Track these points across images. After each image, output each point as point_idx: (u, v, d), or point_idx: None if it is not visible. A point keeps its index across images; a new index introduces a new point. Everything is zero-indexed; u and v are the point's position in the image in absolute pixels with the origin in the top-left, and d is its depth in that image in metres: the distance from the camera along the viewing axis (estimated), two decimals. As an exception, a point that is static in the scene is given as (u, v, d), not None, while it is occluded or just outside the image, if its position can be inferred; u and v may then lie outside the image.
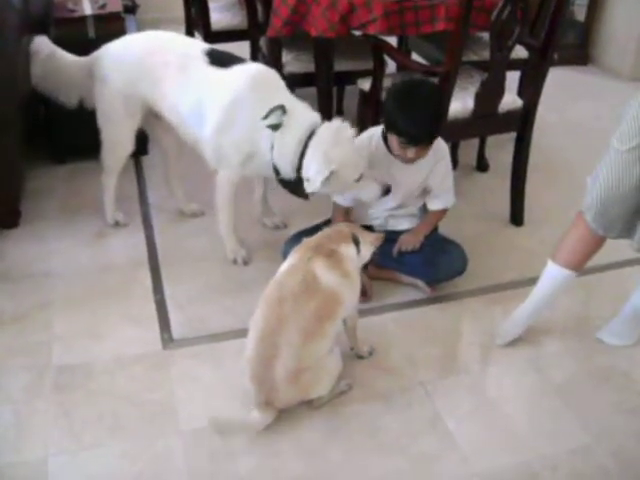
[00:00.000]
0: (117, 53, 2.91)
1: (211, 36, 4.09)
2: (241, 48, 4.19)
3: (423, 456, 2.18)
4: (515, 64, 3.38)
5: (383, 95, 3.07)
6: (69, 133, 3.61)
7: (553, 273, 2.44)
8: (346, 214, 2.81)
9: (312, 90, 3.41)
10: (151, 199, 3.43)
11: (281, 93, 2.70)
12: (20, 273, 2.90)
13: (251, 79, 2.67)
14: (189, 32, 4.44)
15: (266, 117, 2.57)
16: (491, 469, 2.14)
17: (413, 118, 2.50)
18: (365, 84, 3.19)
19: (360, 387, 2.41)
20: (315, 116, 2.66)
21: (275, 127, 2.58)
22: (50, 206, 3.35)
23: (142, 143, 3.69)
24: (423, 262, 2.78)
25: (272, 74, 2.76)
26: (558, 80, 3.72)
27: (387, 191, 2.59)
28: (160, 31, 3.02)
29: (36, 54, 3.02)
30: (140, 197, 3.43)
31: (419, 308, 2.80)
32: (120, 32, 3.58)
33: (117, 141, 3.02)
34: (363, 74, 3.28)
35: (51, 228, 3.18)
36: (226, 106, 2.65)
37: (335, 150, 2.51)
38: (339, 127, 2.58)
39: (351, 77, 3.43)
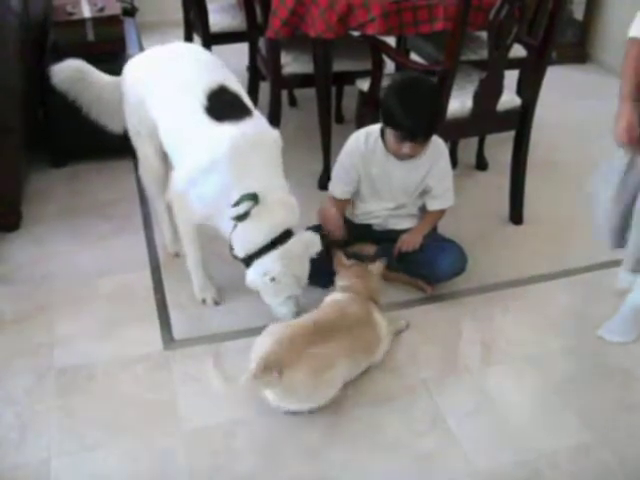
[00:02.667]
0: (132, 69, 2.80)
1: (210, 38, 4.11)
2: (240, 50, 4.23)
3: (425, 455, 2.19)
4: (513, 63, 3.38)
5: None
6: (69, 135, 3.61)
7: None
8: (339, 207, 2.82)
9: (311, 91, 3.42)
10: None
11: (263, 169, 2.50)
12: (21, 275, 2.91)
13: (234, 150, 2.42)
14: (188, 34, 4.46)
15: (236, 204, 2.41)
16: (493, 467, 2.15)
17: (412, 112, 2.51)
18: (364, 84, 3.20)
19: (361, 386, 2.42)
20: (288, 218, 2.52)
21: (241, 218, 2.43)
22: (51, 209, 3.35)
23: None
24: (423, 262, 2.78)
25: (261, 140, 2.52)
26: (557, 79, 3.73)
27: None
28: (182, 45, 2.94)
29: (65, 78, 2.85)
30: (140, 198, 3.43)
31: (419, 307, 2.80)
32: (119, 35, 3.61)
33: (146, 162, 2.87)
34: (362, 74, 3.29)
35: (52, 230, 3.19)
36: (201, 167, 2.46)
37: (295, 265, 2.51)
38: (309, 242, 2.55)
39: (350, 77, 3.44)
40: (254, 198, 2.41)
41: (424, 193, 2.83)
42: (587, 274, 3.03)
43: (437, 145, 2.72)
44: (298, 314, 2.52)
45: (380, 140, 2.70)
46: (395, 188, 2.76)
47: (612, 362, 2.56)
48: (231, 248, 2.55)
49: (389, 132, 2.60)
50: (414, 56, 3.90)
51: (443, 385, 2.44)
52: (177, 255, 2.99)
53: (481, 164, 3.85)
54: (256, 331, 2.57)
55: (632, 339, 2.63)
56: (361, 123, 3.05)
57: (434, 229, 2.90)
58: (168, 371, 2.46)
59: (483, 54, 3.10)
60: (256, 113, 2.58)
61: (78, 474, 2.09)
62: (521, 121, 3.16)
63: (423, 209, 2.90)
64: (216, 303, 2.77)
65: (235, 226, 2.47)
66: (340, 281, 2.60)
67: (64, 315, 2.70)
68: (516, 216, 3.36)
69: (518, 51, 3.36)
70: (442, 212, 2.86)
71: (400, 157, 2.64)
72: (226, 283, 2.85)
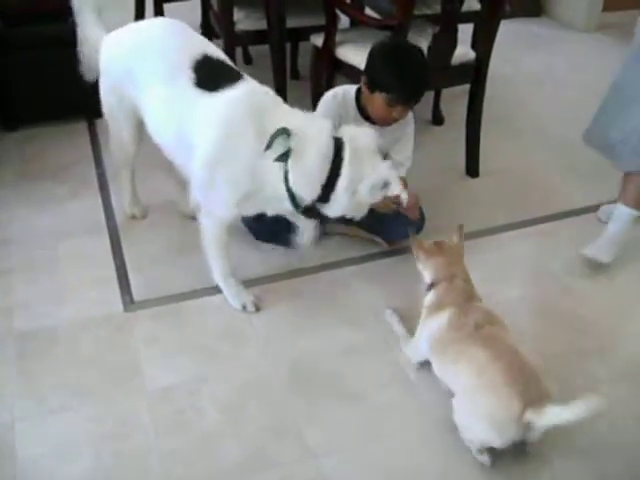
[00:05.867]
0: (111, 46, 2.60)
1: (162, -4, 4.04)
2: (192, 7, 4.17)
3: (385, 405, 2.23)
4: (468, 16, 3.39)
5: (338, 51, 3.08)
6: (21, 99, 3.54)
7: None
8: None
9: (266, 48, 3.39)
10: (106, 162, 3.37)
11: (279, 113, 2.32)
12: (-22, 241, 2.88)
13: (244, 106, 2.28)
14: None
15: (269, 146, 2.22)
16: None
17: (406, 76, 2.51)
18: (318, 40, 3.18)
19: (323, 339, 2.46)
20: (325, 124, 2.34)
21: (284, 157, 2.24)
22: (5, 173, 3.30)
23: (95, 104, 3.64)
24: (381, 221, 2.80)
25: (265, 93, 2.38)
26: (512, 32, 3.76)
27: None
28: (164, 21, 2.71)
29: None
30: (95, 161, 3.39)
31: (379, 261, 2.84)
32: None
33: (118, 137, 2.76)
34: (317, 30, 3.27)
35: (8, 195, 3.14)
36: (218, 140, 2.28)
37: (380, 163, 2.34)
38: (368, 136, 2.36)
39: (305, 33, 3.41)
40: (284, 131, 2.23)
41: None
42: (543, 225, 3.09)
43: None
44: None
45: (354, 103, 2.69)
46: None
47: (566, 309, 2.62)
48: (296, 206, 2.34)
49: (378, 96, 2.56)
50: (369, 11, 3.88)
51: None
52: (134, 217, 2.98)
53: (437, 119, 3.87)
54: (213, 290, 2.60)
55: (608, 260, 2.80)
56: (316, 79, 3.04)
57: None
58: (129, 332, 2.46)
59: (437, 8, 3.09)
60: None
61: (43, 437, 2.09)
62: (476, 75, 3.18)
63: None
64: (257, 308, 2.58)
65: (286, 174, 2.27)
66: (427, 271, 2.33)
67: (23, 279, 2.68)
68: (472, 169, 3.39)
69: (473, 4, 3.38)
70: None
71: (384, 122, 2.63)
72: (183, 243, 2.85)
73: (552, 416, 1.85)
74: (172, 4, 4.13)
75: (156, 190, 3.04)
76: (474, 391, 2.01)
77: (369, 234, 2.90)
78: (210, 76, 2.37)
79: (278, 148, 2.23)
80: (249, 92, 2.34)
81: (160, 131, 2.51)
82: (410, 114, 2.74)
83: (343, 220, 2.81)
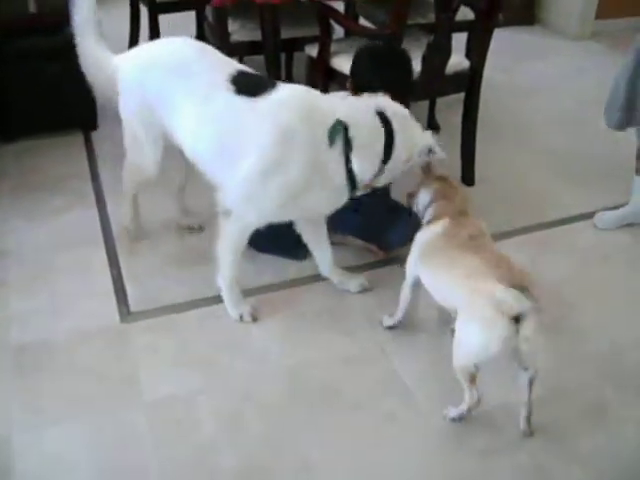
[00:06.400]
0: (134, 69, 2.54)
1: (156, 8, 4.04)
2: (187, 18, 4.18)
3: (383, 414, 2.23)
4: (461, 26, 3.41)
5: (332, 61, 3.09)
6: (18, 110, 3.55)
7: None
8: None
9: (260, 58, 3.40)
10: (102, 175, 3.38)
11: (324, 105, 2.35)
12: (-26, 253, 2.88)
13: (293, 107, 2.30)
14: (134, 5, 4.37)
15: (332, 142, 2.27)
16: (449, 424, 2.20)
17: (391, 77, 2.55)
18: (313, 50, 3.20)
19: (320, 350, 2.46)
20: (367, 103, 2.36)
21: (348, 147, 2.29)
22: (2, 185, 3.30)
23: (91, 117, 3.65)
24: (376, 229, 2.81)
25: (306, 90, 2.39)
26: (506, 41, 3.78)
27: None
28: (185, 41, 2.56)
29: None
30: (92, 173, 3.40)
31: (374, 270, 2.85)
32: (62, 6, 3.53)
33: (136, 164, 2.69)
34: (311, 40, 3.28)
35: (4, 207, 3.14)
36: (274, 145, 2.26)
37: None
38: (400, 105, 2.40)
39: (299, 44, 3.43)
40: (340, 123, 2.27)
41: None
42: (538, 232, 3.10)
43: None
44: None
45: None
46: None
47: (563, 318, 2.63)
48: (354, 187, 2.38)
49: None
50: (363, 21, 3.90)
51: (399, 345, 2.48)
52: (135, 239, 2.92)
53: (433, 126, 3.87)
54: (210, 301, 2.59)
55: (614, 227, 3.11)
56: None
57: (387, 194, 2.91)
58: (127, 344, 2.46)
59: (431, 18, 3.11)
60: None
61: (41, 449, 2.09)
62: (470, 83, 3.20)
63: None
64: (254, 319, 2.59)
65: (346, 159, 2.31)
66: (429, 190, 2.40)
67: (19, 291, 2.67)
68: (468, 177, 3.40)
69: (468, 14, 3.39)
70: None
71: None
72: (179, 254, 2.86)
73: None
74: (167, 15, 4.14)
75: (153, 202, 3.03)
76: (466, 293, 2.06)
77: (366, 243, 2.91)
78: (248, 85, 2.37)
79: (339, 140, 2.28)
80: (291, 93, 2.36)
81: (200, 148, 2.46)
82: None
83: (340, 230, 2.84)
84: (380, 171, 2.36)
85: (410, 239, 2.75)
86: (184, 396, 2.27)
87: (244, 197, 2.38)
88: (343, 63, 3.07)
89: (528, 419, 2.14)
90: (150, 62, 2.53)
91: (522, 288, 1.98)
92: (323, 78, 3.12)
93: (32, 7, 3.44)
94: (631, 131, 3.02)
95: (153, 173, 2.68)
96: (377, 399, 2.29)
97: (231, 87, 2.35)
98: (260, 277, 2.77)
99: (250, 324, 2.56)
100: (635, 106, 2.86)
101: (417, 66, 2.97)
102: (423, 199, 2.41)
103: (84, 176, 3.38)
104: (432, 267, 2.26)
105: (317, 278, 2.77)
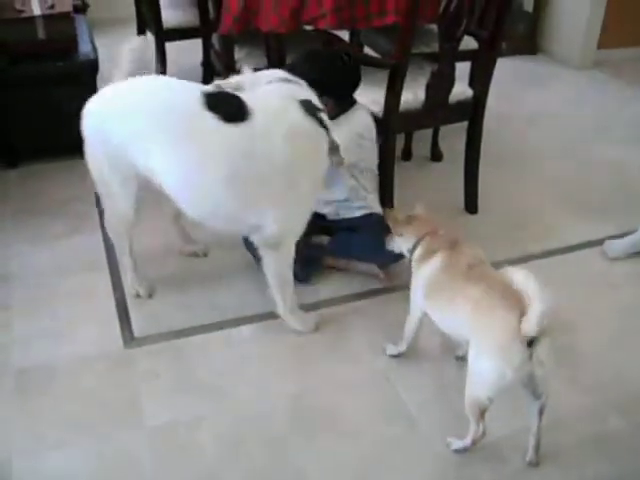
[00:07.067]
0: (102, 111, 2.37)
1: (163, 34, 4.09)
2: (194, 46, 4.22)
3: (386, 441, 2.22)
4: (465, 55, 3.44)
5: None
6: (20, 136, 3.57)
7: None
8: None
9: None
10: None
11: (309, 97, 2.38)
12: (-23, 277, 2.88)
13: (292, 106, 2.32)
14: (140, 31, 4.43)
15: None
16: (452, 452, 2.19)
17: (351, 78, 2.73)
18: (318, 78, 3.21)
19: (322, 376, 2.45)
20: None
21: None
22: (5, 209, 3.32)
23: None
24: (374, 248, 2.80)
25: (274, 91, 2.37)
26: (509, 70, 3.80)
27: None
28: (146, 79, 2.39)
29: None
30: (95, 197, 3.40)
31: (378, 297, 2.84)
32: (70, 33, 3.57)
33: (116, 208, 2.57)
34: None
35: (7, 231, 3.15)
36: (291, 159, 2.26)
37: None
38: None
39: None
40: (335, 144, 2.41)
41: None
42: (542, 260, 3.10)
43: None
44: None
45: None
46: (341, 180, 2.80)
47: (568, 345, 2.62)
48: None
49: (332, 104, 2.67)
50: (368, 50, 3.93)
51: (403, 373, 2.47)
52: (138, 296, 2.78)
53: (436, 155, 3.90)
54: (214, 327, 2.60)
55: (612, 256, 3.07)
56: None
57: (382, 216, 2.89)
58: (129, 368, 2.46)
59: (435, 46, 3.13)
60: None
61: (40, 474, 2.08)
62: (473, 112, 3.21)
63: None
64: (317, 328, 2.65)
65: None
66: (409, 233, 2.38)
67: (22, 315, 2.67)
68: (471, 206, 3.41)
69: (470, 43, 3.42)
70: None
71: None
72: (183, 279, 2.87)
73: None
74: (173, 43, 4.18)
75: (155, 228, 3.03)
76: (476, 324, 2.04)
77: (366, 266, 2.91)
78: (229, 108, 2.25)
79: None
80: (275, 101, 2.32)
81: (195, 196, 2.36)
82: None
83: (341, 253, 2.84)
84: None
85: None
86: (186, 422, 2.26)
87: (290, 223, 2.41)
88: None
89: (537, 448, 2.12)
90: (122, 102, 2.35)
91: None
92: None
93: (41, 33, 3.47)
94: None
95: (132, 217, 2.57)
96: (380, 425, 2.28)
97: (210, 115, 2.20)
98: (262, 303, 2.75)
99: (251, 352, 2.55)
100: None
101: (421, 94, 3.00)
102: (407, 243, 2.39)
103: (88, 200, 3.38)
104: (439, 302, 2.24)
105: (320, 304, 2.77)
